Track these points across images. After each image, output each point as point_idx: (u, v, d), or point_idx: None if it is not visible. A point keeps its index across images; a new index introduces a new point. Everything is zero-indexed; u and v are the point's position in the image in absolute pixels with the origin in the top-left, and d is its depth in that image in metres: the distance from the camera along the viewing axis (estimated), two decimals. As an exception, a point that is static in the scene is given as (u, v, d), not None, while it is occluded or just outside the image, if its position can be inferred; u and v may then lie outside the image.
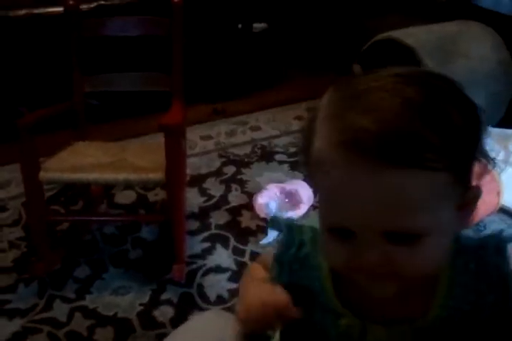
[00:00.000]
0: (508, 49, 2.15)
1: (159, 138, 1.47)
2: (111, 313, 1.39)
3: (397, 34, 2.16)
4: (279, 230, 0.70)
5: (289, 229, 0.69)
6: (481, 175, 0.59)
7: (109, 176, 1.45)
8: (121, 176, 1.44)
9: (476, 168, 0.60)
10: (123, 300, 1.43)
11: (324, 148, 0.53)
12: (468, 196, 0.57)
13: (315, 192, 0.58)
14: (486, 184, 0.64)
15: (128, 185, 1.87)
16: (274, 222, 0.72)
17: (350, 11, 2.79)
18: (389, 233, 0.53)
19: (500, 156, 1.94)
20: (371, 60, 2.19)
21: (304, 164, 0.59)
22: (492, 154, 0.63)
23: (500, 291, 0.61)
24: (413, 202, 0.51)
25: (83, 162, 1.52)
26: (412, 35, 2.14)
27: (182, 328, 0.85)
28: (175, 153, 1.47)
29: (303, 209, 1.76)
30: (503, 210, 1.69)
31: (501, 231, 0.62)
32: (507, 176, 1.82)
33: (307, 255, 0.67)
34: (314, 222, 0.67)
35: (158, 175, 1.43)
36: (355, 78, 0.57)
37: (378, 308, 0.63)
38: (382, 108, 0.51)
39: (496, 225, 1.63)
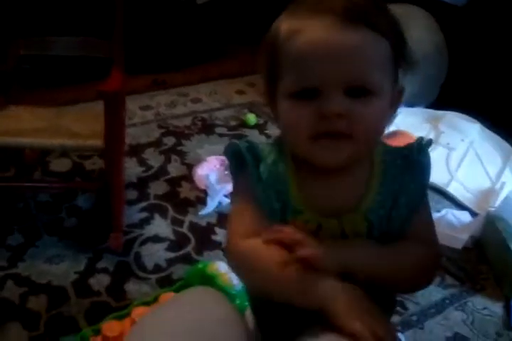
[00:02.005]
0: (442, 32, 2.23)
1: (98, 107, 1.43)
2: (44, 281, 1.36)
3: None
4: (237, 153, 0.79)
5: (251, 146, 0.78)
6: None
7: (44, 141, 1.39)
8: (57, 141, 1.39)
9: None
10: (57, 268, 1.40)
11: (298, 20, 0.68)
12: (396, 89, 0.73)
13: (271, 71, 0.73)
14: (401, 140, 0.74)
15: (64, 152, 1.82)
16: (231, 146, 0.81)
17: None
18: (349, 89, 0.66)
19: (430, 136, 2.03)
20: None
21: (265, 50, 0.73)
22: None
23: (419, 181, 0.76)
24: (371, 58, 0.66)
25: (16, 126, 1.45)
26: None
27: (170, 302, 0.85)
28: (114, 120, 1.43)
29: (242, 181, 1.77)
30: (431, 187, 1.77)
31: (421, 137, 0.78)
32: (435, 155, 1.91)
33: (274, 162, 0.77)
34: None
35: (96, 142, 1.39)
36: None
37: (331, 202, 0.75)
38: None
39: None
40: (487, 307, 1.40)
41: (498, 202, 1.66)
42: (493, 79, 2.15)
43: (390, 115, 0.73)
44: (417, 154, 0.76)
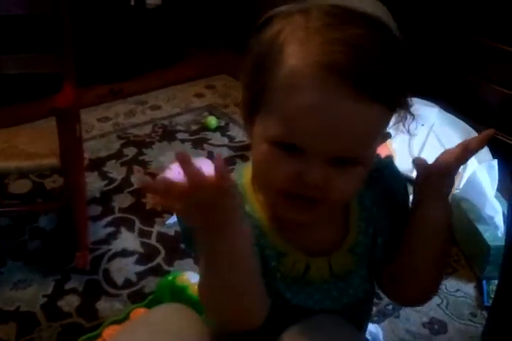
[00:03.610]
0: (395, 21, 2.24)
1: (53, 123, 1.40)
2: (12, 308, 1.33)
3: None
4: None
5: None
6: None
7: (-2, 165, 1.37)
8: (13, 164, 1.37)
9: None
10: (24, 293, 1.37)
11: (301, 68, 0.57)
12: (382, 140, 0.66)
13: (253, 106, 0.64)
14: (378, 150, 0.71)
15: (21, 173, 1.78)
16: None
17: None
18: (336, 158, 0.59)
19: (391, 123, 2.04)
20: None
21: (257, 86, 0.62)
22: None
23: (397, 202, 0.74)
24: (369, 135, 0.59)
25: (-33, 151, 1.42)
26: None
27: (139, 321, 0.83)
28: (69, 137, 1.40)
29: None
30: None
31: (390, 157, 0.76)
32: (397, 143, 1.92)
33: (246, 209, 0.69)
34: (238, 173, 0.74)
35: (52, 161, 1.37)
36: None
37: (315, 242, 0.71)
38: (361, 43, 0.56)
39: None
40: (460, 289, 1.42)
41: (461, 184, 1.67)
42: (447, 62, 2.16)
43: None
44: (391, 181, 0.74)
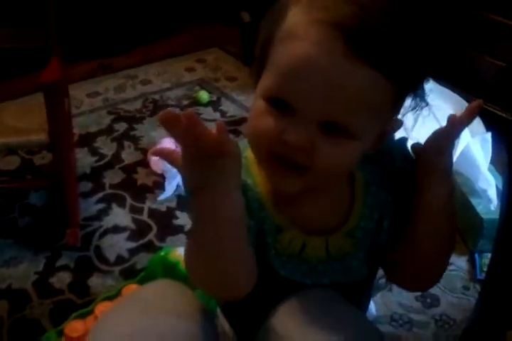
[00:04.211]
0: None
1: (41, 99, 1.37)
2: (3, 286, 1.32)
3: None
4: None
5: None
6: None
7: (-16, 142, 1.34)
8: (0, 140, 1.34)
9: None
10: (16, 270, 1.36)
11: (301, 21, 0.56)
12: (390, 125, 0.64)
13: (260, 67, 0.63)
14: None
15: (9, 150, 1.75)
16: None
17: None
18: (326, 123, 0.57)
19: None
20: (258, 7, 2.16)
21: (266, 23, 0.62)
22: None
23: (408, 188, 0.71)
24: (365, 103, 0.57)
25: (-48, 128, 1.39)
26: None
27: (131, 297, 0.82)
28: (57, 112, 1.38)
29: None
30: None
31: (403, 138, 0.73)
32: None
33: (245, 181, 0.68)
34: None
35: (40, 137, 1.35)
36: None
37: (314, 221, 0.70)
38: (371, 6, 0.54)
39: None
40: (453, 263, 1.42)
41: (455, 157, 1.66)
42: (443, 35, 2.13)
43: (364, 152, 0.64)
44: (402, 162, 0.72)
